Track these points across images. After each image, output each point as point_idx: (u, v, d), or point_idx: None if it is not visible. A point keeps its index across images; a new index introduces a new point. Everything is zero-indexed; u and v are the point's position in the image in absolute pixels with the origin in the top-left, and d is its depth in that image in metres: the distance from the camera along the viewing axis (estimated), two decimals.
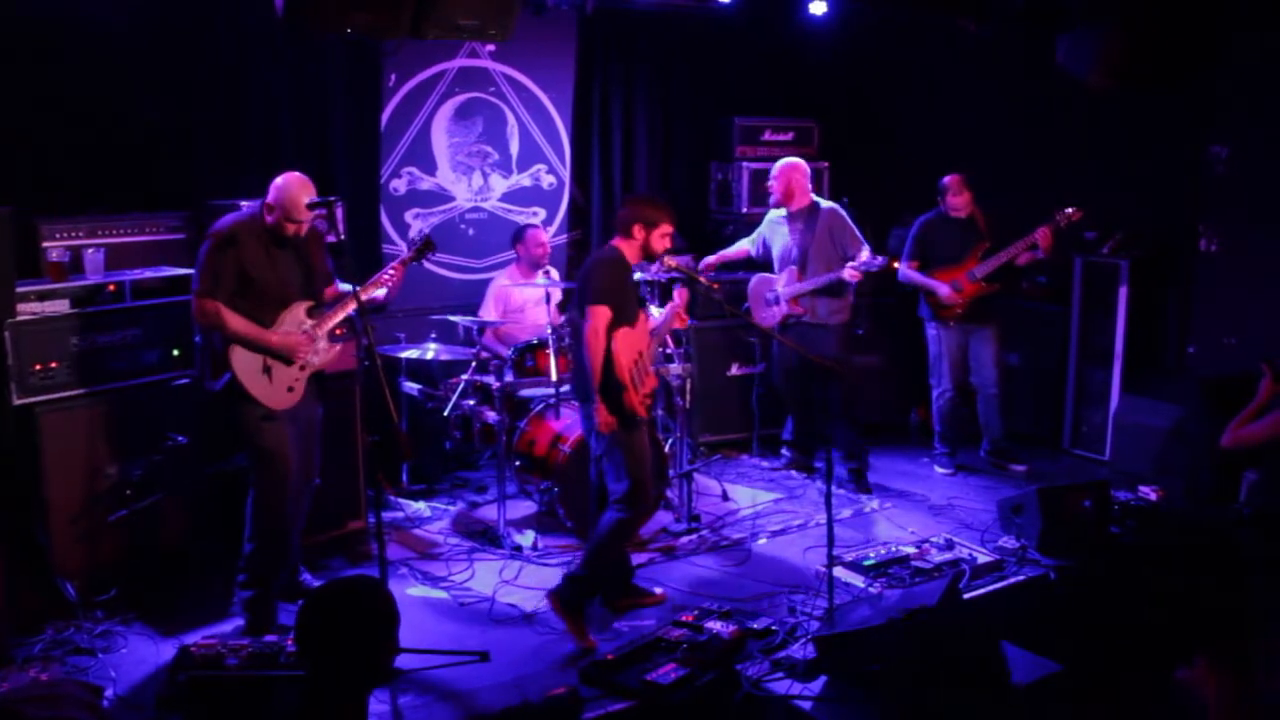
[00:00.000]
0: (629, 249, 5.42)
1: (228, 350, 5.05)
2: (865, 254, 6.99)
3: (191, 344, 5.81)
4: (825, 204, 7.25)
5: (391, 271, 5.47)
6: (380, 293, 5.45)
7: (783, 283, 7.27)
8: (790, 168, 7.24)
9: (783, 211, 7.32)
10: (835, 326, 7.21)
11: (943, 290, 7.41)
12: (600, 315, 5.22)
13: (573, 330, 5.55)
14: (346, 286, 5.49)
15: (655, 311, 6.90)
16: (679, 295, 5.94)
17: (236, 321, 5.04)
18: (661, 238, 5.44)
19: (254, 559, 5.18)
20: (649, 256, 5.49)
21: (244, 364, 5.06)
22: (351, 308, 5.22)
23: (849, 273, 6.95)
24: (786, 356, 7.45)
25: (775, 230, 7.40)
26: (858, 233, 7.15)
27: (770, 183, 7.33)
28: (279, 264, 5.18)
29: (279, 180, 5.12)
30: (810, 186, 7.27)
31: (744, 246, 7.62)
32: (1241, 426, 5.33)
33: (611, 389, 5.24)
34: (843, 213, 7.22)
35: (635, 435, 5.32)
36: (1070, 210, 7.09)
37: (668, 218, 5.46)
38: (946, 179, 7.53)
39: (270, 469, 5.14)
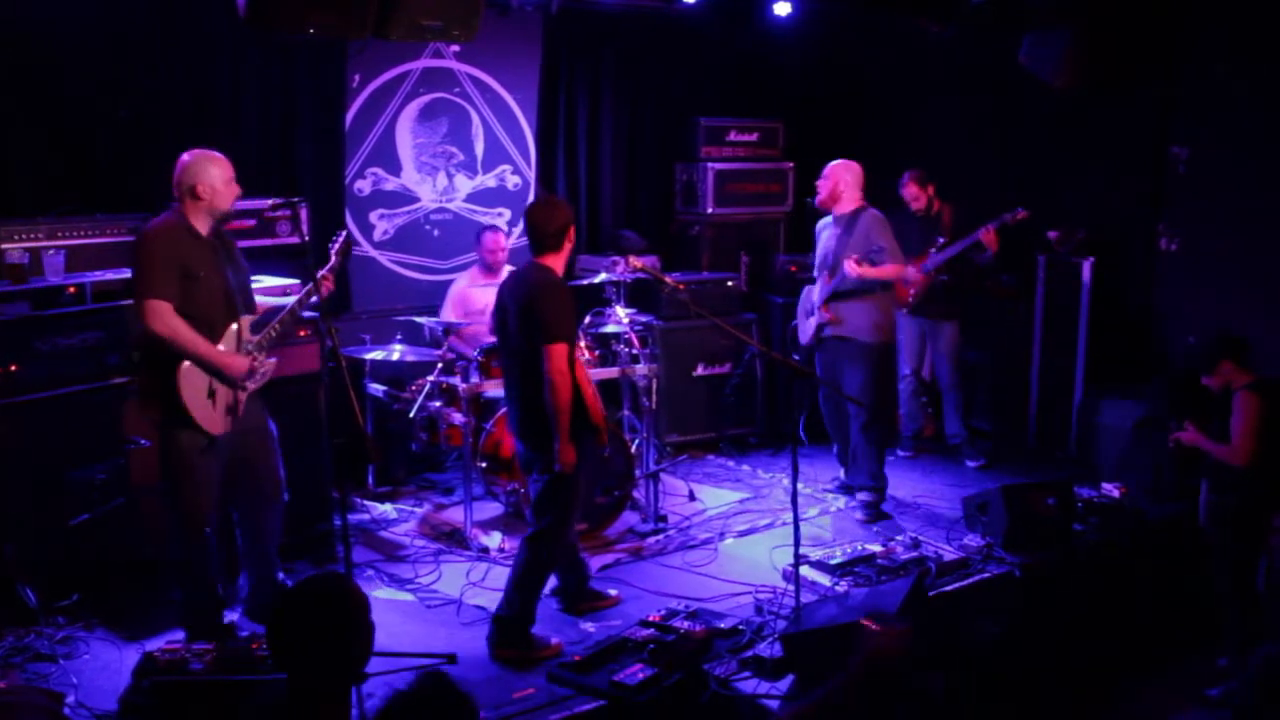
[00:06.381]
0: (556, 262, 5.07)
1: (175, 369, 4.65)
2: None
3: None
4: (870, 210, 6.75)
5: (323, 277, 5.01)
6: (314, 298, 5.08)
7: (817, 291, 6.87)
8: (841, 168, 6.78)
9: (830, 217, 6.86)
10: (867, 345, 6.68)
11: (912, 272, 7.40)
12: (562, 354, 4.89)
13: (519, 365, 5.08)
14: (271, 299, 5.39)
15: (622, 313, 6.94)
16: None
17: (191, 333, 4.67)
18: (573, 236, 5.17)
19: (179, 575, 5.04)
20: (565, 260, 5.17)
21: (192, 386, 4.70)
22: (288, 320, 5.04)
23: (847, 265, 6.53)
24: (824, 375, 6.88)
25: (820, 236, 6.93)
26: (890, 241, 6.66)
27: (817, 182, 6.86)
28: (220, 264, 4.87)
29: (188, 162, 4.78)
30: (860, 192, 6.77)
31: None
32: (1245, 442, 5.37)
33: (583, 429, 5.04)
34: (883, 219, 6.73)
35: (575, 474, 5.12)
36: (1019, 210, 7.21)
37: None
38: (904, 175, 7.69)
39: (195, 499, 4.87)
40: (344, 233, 5.37)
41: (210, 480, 4.90)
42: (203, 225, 4.83)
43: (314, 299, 4.98)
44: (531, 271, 5.09)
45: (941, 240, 7.48)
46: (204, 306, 4.77)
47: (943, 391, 7.91)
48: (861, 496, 6.90)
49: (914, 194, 7.68)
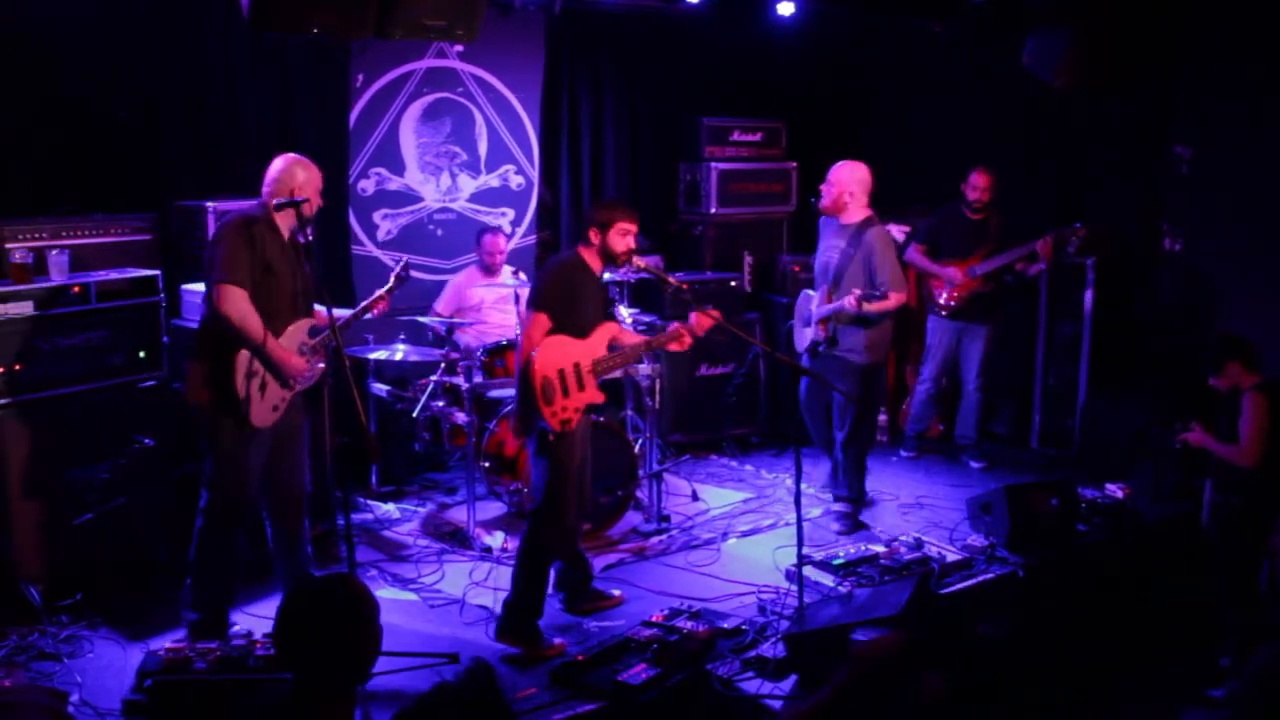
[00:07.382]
0: (590, 254, 5.25)
1: (232, 356, 4.76)
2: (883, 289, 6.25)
3: (158, 345, 5.77)
4: (876, 226, 6.48)
5: (380, 297, 5.32)
6: (368, 315, 5.37)
7: (816, 302, 6.65)
8: (847, 173, 6.53)
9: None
10: (857, 365, 6.51)
11: (948, 273, 7.53)
12: (536, 323, 5.07)
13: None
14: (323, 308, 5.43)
15: (624, 313, 6.94)
16: (695, 320, 5.52)
17: (259, 323, 4.77)
18: (621, 235, 5.20)
19: (197, 570, 5.04)
20: (611, 258, 5.25)
21: (245, 375, 4.80)
22: (341, 330, 4.98)
23: (849, 302, 6.28)
24: (810, 388, 6.86)
25: (824, 236, 6.73)
26: (893, 265, 6.40)
27: (822, 186, 6.63)
28: (293, 263, 4.97)
29: (284, 166, 4.95)
30: (867, 199, 6.52)
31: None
32: (1255, 443, 5.37)
33: (526, 398, 5.08)
34: (890, 238, 6.52)
35: (563, 449, 5.14)
36: (1078, 226, 7.24)
37: (624, 216, 5.24)
38: (978, 167, 7.59)
39: (231, 485, 4.95)
40: (404, 259, 5.57)
41: (251, 470, 4.99)
42: (285, 226, 4.97)
43: (368, 315, 5.29)
44: (561, 253, 5.56)
45: (984, 248, 7.48)
46: (273, 302, 4.89)
47: (966, 394, 7.85)
48: (838, 507, 6.82)
49: (983, 187, 7.48)
